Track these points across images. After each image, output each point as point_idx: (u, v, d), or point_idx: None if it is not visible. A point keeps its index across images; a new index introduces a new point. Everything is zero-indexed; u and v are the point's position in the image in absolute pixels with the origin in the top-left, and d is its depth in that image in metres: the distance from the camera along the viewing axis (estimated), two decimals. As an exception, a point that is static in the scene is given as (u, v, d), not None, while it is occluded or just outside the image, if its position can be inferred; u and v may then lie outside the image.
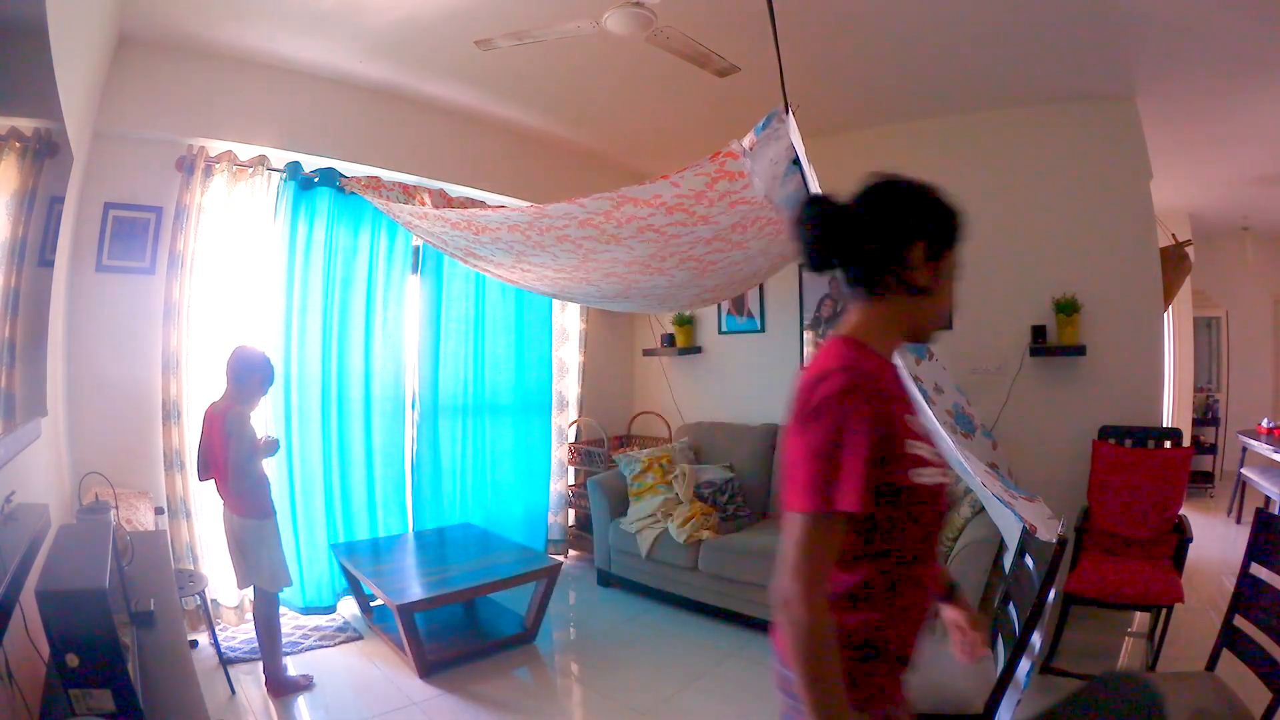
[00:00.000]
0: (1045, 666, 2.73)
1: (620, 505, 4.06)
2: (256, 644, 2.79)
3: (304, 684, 2.78)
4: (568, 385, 4.88)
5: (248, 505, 2.65)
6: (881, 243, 1.05)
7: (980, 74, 3.31)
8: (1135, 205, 3.42)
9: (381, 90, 3.59)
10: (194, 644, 2.92)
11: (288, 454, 3.41)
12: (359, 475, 3.71)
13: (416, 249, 3.98)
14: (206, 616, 2.84)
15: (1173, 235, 4.17)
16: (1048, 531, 1.85)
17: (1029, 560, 1.95)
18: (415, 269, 4.01)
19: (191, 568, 3.02)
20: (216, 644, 2.78)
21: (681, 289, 3.08)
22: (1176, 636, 2.94)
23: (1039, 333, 3.51)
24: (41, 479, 2.12)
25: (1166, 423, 3.92)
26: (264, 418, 3.34)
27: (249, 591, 3.29)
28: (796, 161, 2.07)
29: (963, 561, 2.80)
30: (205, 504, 3.12)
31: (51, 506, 1.99)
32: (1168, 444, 3.26)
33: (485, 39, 2.52)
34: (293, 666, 2.93)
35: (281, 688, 2.72)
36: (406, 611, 2.84)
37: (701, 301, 3.65)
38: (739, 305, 4.70)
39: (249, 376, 2.66)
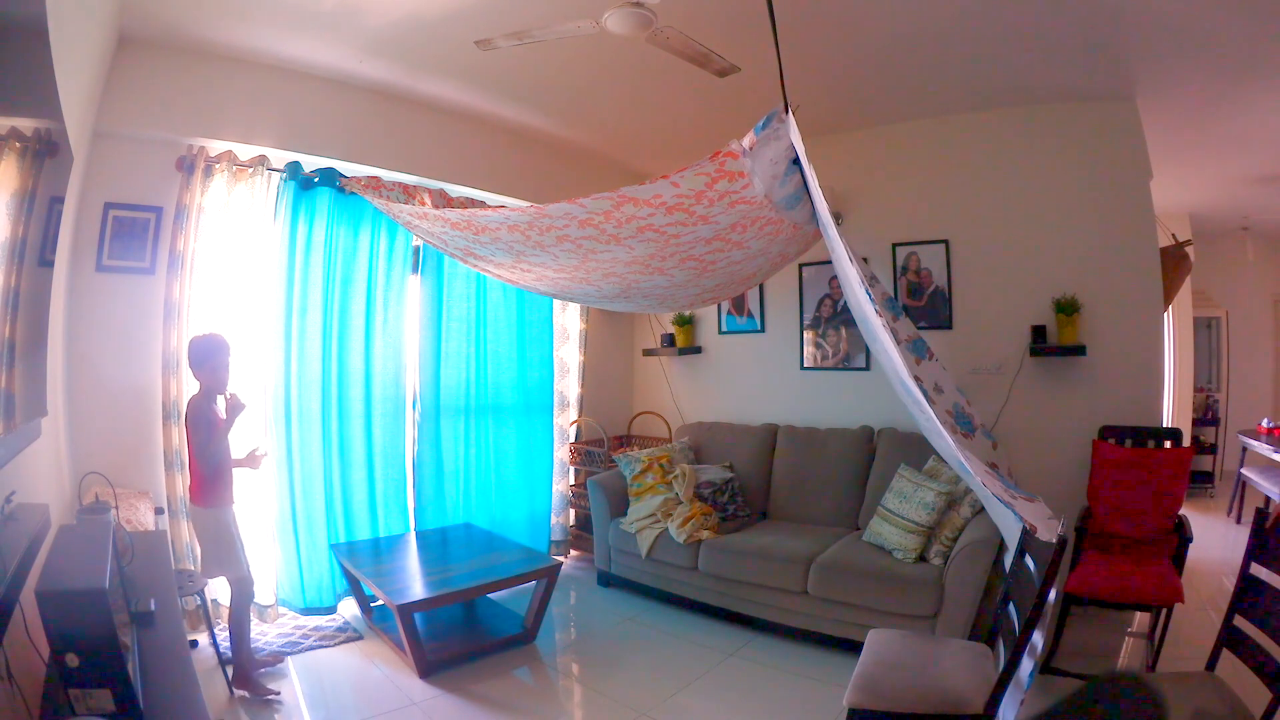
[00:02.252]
0: (1045, 666, 2.73)
1: (620, 505, 4.06)
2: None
3: (271, 690, 2.72)
4: (568, 385, 4.88)
5: (204, 493, 2.67)
6: None
7: (980, 74, 3.31)
8: (1135, 205, 3.42)
9: (381, 90, 3.59)
10: (194, 644, 2.92)
11: (287, 454, 3.41)
12: (359, 475, 3.70)
13: (416, 249, 3.98)
14: (206, 617, 2.84)
15: (1173, 235, 4.17)
16: (1048, 531, 1.85)
17: (1029, 560, 1.95)
18: (415, 269, 4.01)
19: (192, 568, 3.02)
20: (216, 644, 2.78)
21: (681, 289, 3.08)
22: (1176, 636, 2.94)
23: (1039, 333, 3.51)
24: (41, 479, 2.12)
25: (1166, 423, 3.93)
26: (264, 417, 3.34)
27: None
28: (796, 161, 2.07)
29: (963, 561, 2.81)
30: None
31: (51, 506, 1.99)
32: (1168, 444, 3.26)
33: (485, 39, 2.52)
34: (292, 666, 2.95)
35: (247, 683, 2.69)
36: (406, 611, 2.84)
37: (701, 301, 3.65)
38: (739, 305, 4.70)
39: (201, 363, 2.68)
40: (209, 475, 2.66)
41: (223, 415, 2.70)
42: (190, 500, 2.74)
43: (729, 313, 4.77)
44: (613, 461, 4.35)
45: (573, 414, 4.88)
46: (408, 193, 3.60)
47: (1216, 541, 4.73)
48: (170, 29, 2.84)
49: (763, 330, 4.63)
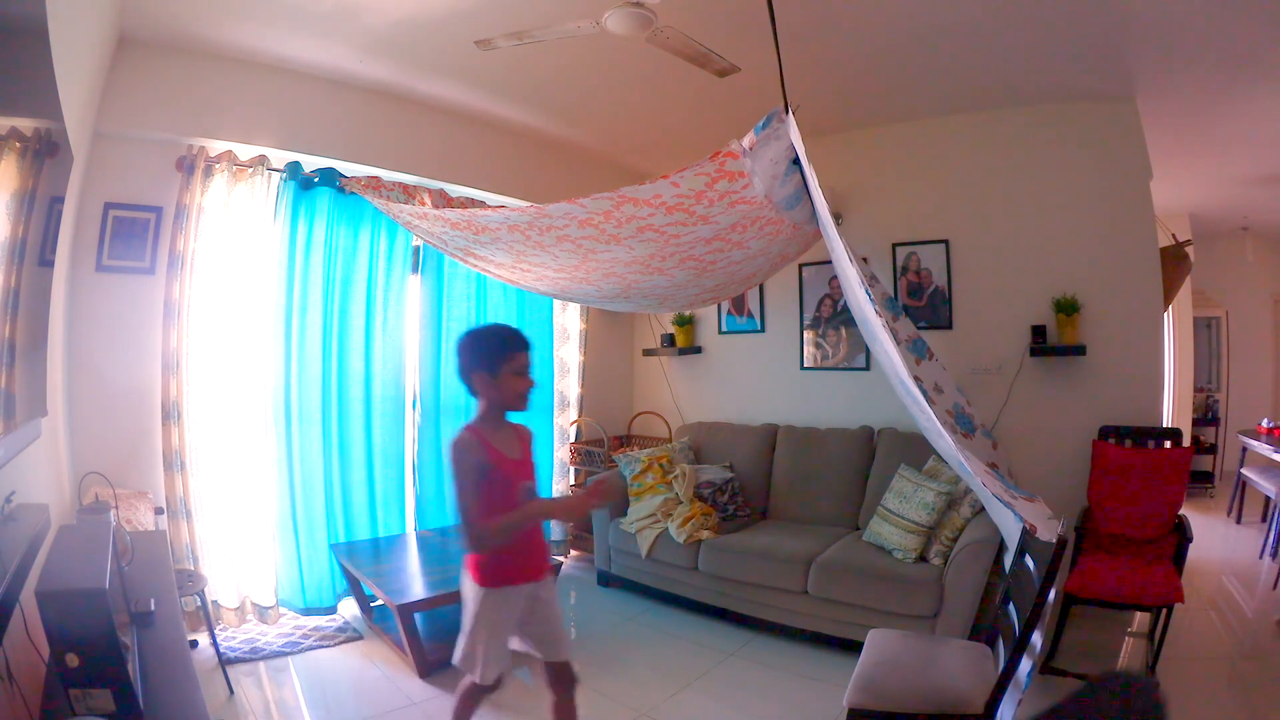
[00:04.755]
0: (1045, 666, 2.73)
1: (620, 505, 4.06)
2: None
3: None
4: (568, 385, 4.88)
5: (474, 562, 1.91)
6: None
7: (980, 74, 3.31)
8: (1135, 205, 3.42)
9: (381, 90, 3.58)
10: (194, 644, 2.92)
11: (287, 454, 3.41)
12: (359, 475, 3.70)
13: (416, 249, 3.98)
14: (206, 617, 2.84)
15: (1173, 235, 4.17)
16: (1048, 531, 1.85)
17: (1029, 560, 1.95)
18: (415, 269, 4.01)
19: (191, 568, 3.02)
20: (216, 644, 2.78)
21: (681, 289, 3.08)
22: (1176, 636, 2.94)
23: (1039, 333, 3.51)
24: (41, 479, 2.12)
25: (1166, 423, 3.92)
26: (265, 420, 3.33)
27: (250, 594, 3.29)
28: (796, 161, 2.07)
29: (963, 561, 2.81)
30: (205, 504, 3.13)
31: (51, 506, 1.99)
32: (1168, 444, 3.26)
33: (485, 39, 2.52)
34: (292, 667, 2.94)
35: None
36: (406, 611, 2.83)
37: (701, 301, 3.65)
38: (739, 305, 4.70)
39: (485, 361, 1.86)
40: (472, 537, 1.79)
41: (513, 455, 1.89)
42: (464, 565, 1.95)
43: (729, 313, 4.77)
44: (613, 461, 4.35)
45: (573, 414, 4.87)
46: (408, 193, 3.60)
47: (1216, 541, 4.73)
48: (170, 29, 2.84)
49: (763, 330, 4.62)
